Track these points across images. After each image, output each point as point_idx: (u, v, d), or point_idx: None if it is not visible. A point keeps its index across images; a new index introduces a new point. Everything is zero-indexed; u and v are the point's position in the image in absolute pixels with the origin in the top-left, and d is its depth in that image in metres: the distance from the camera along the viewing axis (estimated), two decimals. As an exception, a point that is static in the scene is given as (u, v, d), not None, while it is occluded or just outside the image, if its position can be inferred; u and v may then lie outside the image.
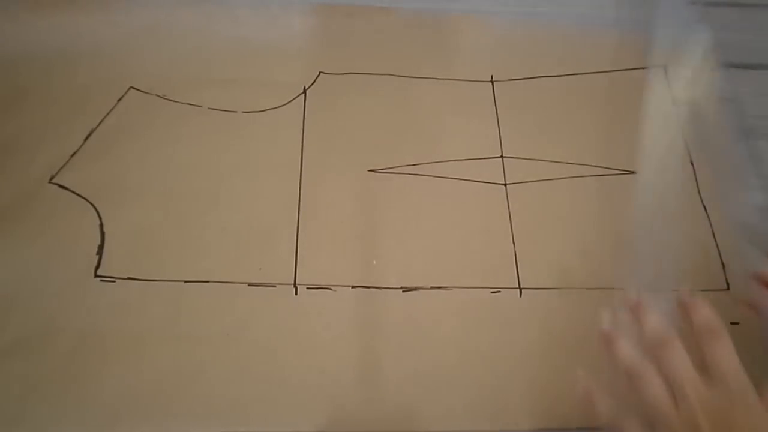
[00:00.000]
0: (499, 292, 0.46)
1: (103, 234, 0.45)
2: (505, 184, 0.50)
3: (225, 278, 0.44)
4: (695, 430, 0.29)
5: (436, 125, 0.52)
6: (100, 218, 0.46)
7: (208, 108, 0.51)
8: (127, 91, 0.51)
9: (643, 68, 0.56)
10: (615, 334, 0.35)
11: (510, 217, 0.48)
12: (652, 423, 0.31)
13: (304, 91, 0.53)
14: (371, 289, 0.45)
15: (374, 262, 0.46)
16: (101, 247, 0.45)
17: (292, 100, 0.52)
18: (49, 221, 0.45)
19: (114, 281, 0.44)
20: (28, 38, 0.53)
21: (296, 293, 0.44)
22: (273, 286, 0.44)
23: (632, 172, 0.51)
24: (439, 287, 0.45)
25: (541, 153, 0.51)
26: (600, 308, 0.38)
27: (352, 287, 0.45)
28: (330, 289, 0.45)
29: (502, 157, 0.51)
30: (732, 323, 0.45)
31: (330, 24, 0.57)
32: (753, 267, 0.41)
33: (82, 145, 0.48)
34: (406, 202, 0.48)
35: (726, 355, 0.31)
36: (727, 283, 0.47)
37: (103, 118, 0.50)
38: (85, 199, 0.46)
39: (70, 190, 0.47)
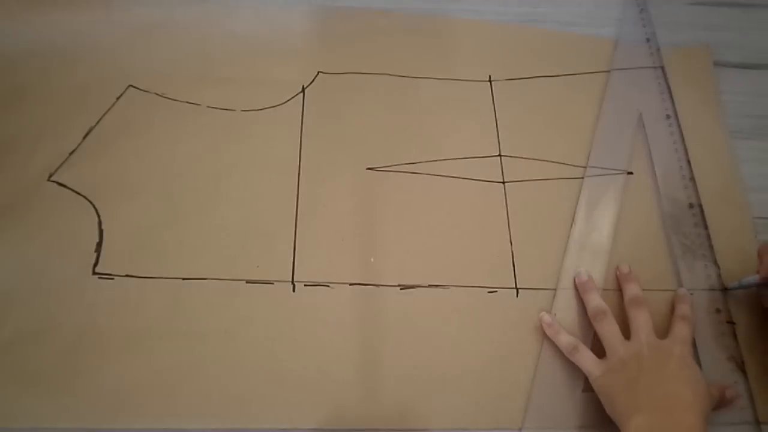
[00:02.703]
0: (496, 291, 0.46)
1: (101, 231, 0.45)
2: (503, 182, 0.50)
3: (223, 275, 0.44)
4: (638, 355, 0.40)
5: (435, 124, 0.52)
6: (98, 216, 0.46)
7: (207, 106, 0.51)
8: (126, 89, 0.51)
9: (641, 68, 0.56)
10: (590, 285, 0.45)
11: (508, 215, 0.48)
12: (602, 352, 0.42)
13: (303, 90, 0.53)
14: (369, 287, 0.45)
15: (372, 259, 0.46)
16: (99, 244, 0.45)
17: (290, 99, 0.52)
18: (47, 219, 0.45)
19: (112, 278, 0.44)
20: (26, 36, 0.53)
21: (294, 290, 0.44)
22: (271, 283, 0.45)
23: (630, 173, 0.51)
24: (436, 285, 0.45)
25: (539, 152, 0.51)
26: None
27: (350, 285, 0.45)
28: (327, 286, 0.45)
29: (500, 155, 0.51)
30: (729, 322, 0.45)
31: (329, 24, 0.57)
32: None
33: (80, 143, 0.49)
34: (404, 200, 0.49)
35: (644, 318, 0.42)
36: (723, 285, 0.47)
37: (102, 117, 0.50)
38: (84, 196, 0.46)
39: (68, 188, 0.47)
